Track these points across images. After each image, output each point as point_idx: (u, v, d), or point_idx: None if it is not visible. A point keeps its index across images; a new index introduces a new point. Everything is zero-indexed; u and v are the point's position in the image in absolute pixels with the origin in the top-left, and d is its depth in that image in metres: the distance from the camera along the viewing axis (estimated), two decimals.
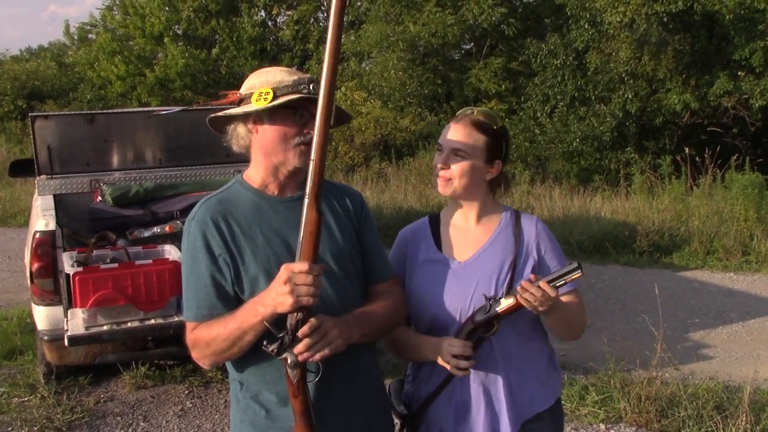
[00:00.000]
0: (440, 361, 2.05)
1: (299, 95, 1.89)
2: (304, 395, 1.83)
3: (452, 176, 2.11)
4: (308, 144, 1.87)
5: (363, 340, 1.93)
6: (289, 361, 1.79)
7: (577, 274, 1.94)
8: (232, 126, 2.01)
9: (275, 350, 1.78)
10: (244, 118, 1.96)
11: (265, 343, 1.79)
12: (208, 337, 1.87)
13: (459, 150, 2.10)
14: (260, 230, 1.93)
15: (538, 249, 2.15)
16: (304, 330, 1.76)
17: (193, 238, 1.93)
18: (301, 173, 1.91)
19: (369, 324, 1.94)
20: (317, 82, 1.90)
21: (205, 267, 1.90)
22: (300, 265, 1.74)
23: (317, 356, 1.76)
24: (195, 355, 1.94)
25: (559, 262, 2.16)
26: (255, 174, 2.00)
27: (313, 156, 1.75)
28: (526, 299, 1.94)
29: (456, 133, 2.11)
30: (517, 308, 1.99)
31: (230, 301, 1.90)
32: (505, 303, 2.00)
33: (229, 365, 2.00)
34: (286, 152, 1.93)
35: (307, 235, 1.77)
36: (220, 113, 2.00)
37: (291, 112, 1.92)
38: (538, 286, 1.93)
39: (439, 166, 2.13)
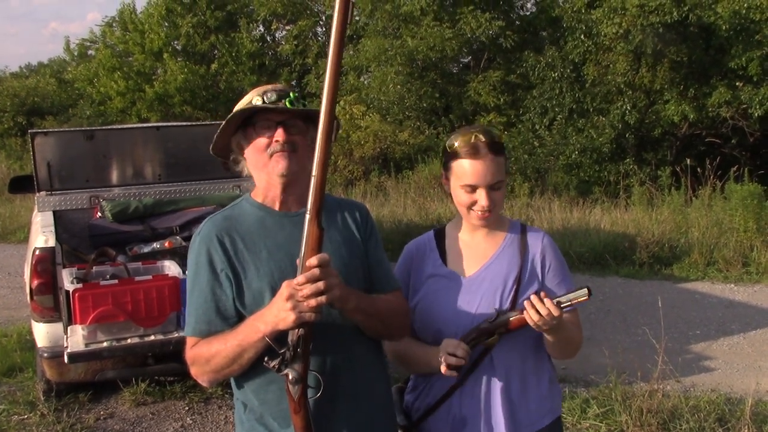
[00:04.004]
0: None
1: (244, 107, 1.93)
2: (305, 411, 1.82)
3: (493, 208, 2.10)
4: (280, 151, 1.91)
5: (357, 318, 1.91)
6: (290, 377, 1.79)
7: (583, 298, 1.94)
8: (232, 158, 2.06)
9: (276, 366, 1.78)
10: (232, 147, 2.03)
11: (266, 359, 1.79)
12: (207, 354, 1.87)
13: (498, 183, 2.09)
14: (264, 245, 1.93)
15: (543, 264, 2.14)
16: (311, 261, 1.74)
17: (197, 253, 1.95)
18: (296, 183, 1.94)
19: (366, 302, 1.93)
20: (275, 90, 1.94)
21: (206, 282, 1.91)
22: (300, 278, 1.74)
23: (313, 302, 1.72)
24: (194, 371, 1.94)
25: (563, 279, 2.15)
26: (258, 190, 2.03)
27: (314, 172, 1.75)
28: (530, 316, 1.94)
29: (486, 168, 2.06)
30: (522, 324, 1.99)
31: (230, 318, 1.90)
32: (512, 315, 2.01)
33: (233, 385, 2.00)
34: (265, 164, 1.95)
35: (309, 250, 1.76)
36: (211, 150, 2.07)
37: (252, 128, 1.95)
38: (543, 303, 1.93)
39: (486, 205, 2.08)
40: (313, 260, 1.74)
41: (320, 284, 1.72)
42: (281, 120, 1.92)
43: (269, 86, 1.98)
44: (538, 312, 1.92)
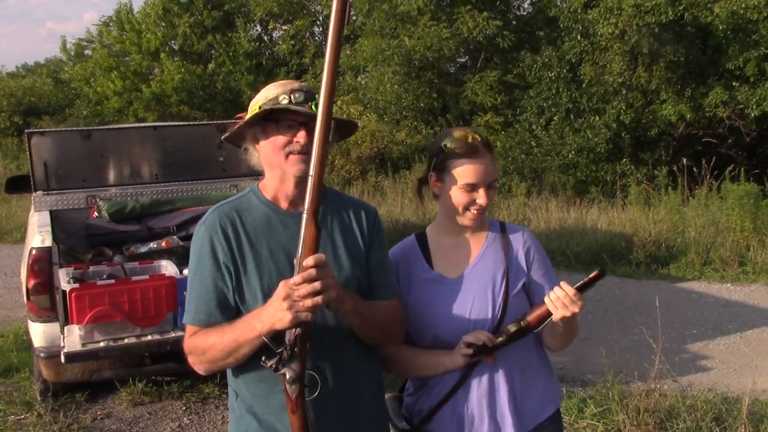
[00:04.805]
0: (458, 354, 2.05)
1: (272, 107, 1.91)
2: (302, 410, 1.82)
3: (488, 207, 2.12)
4: (299, 153, 1.90)
5: (353, 321, 1.91)
6: (287, 376, 1.79)
7: (594, 273, 1.98)
8: (243, 147, 2.04)
9: (274, 366, 1.78)
10: (245, 137, 2.00)
11: (263, 358, 1.78)
12: (204, 345, 1.89)
13: (494, 181, 2.13)
14: (267, 243, 1.93)
15: (527, 258, 2.18)
16: (308, 261, 1.73)
17: (200, 242, 1.95)
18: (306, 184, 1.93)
19: (363, 306, 1.93)
20: (302, 91, 1.92)
21: (209, 273, 1.91)
22: (297, 278, 1.73)
23: (309, 302, 1.71)
24: (191, 360, 1.95)
25: (547, 270, 2.20)
26: (268, 186, 2.02)
27: (311, 171, 1.75)
28: (554, 305, 1.95)
29: (486, 166, 2.10)
30: (543, 317, 2.00)
31: (229, 310, 1.91)
32: (531, 312, 2.02)
33: (228, 373, 2.01)
34: (280, 163, 1.94)
35: (306, 249, 1.76)
36: (224, 138, 2.07)
37: (274, 124, 1.93)
38: (565, 291, 1.95)
39: (484, 204, 2.10)
40: (309, 260, 1.74)
41: (317, 284, 1.72)
42: (305, 121, 1.90)
43: (296, 84, 1.96)
44: (559, 298, 1.94)
